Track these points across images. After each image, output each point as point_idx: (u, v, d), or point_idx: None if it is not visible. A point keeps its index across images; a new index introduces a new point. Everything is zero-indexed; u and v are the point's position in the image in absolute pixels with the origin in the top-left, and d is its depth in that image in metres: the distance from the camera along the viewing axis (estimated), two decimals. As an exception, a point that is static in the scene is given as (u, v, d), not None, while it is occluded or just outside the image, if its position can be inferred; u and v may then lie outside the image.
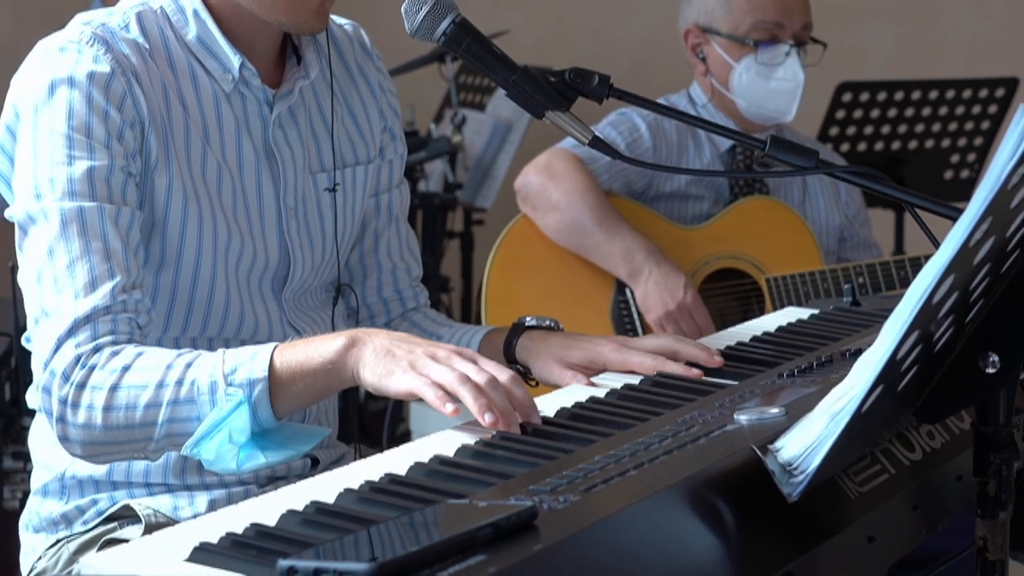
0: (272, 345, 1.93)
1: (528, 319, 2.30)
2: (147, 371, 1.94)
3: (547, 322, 2.30)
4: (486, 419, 1.75)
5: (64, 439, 1.98)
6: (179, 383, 1.92)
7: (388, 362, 1.86)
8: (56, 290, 1.99)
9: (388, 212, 2.38)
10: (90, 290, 1.98)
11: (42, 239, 2.01)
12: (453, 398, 1.78)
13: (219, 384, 1.91)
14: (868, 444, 1.68)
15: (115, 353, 1.96)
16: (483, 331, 2.33)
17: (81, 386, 1.95)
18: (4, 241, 2.07)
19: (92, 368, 1.95)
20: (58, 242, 2.00)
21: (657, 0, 6.06)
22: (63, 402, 1.96)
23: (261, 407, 1.90)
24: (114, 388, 1.94)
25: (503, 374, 1.82)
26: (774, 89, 3.46)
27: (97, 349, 1.96)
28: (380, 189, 2.36)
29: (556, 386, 2.15)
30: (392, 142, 2.37)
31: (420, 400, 1.83)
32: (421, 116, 5.27)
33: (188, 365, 1.93)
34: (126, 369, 1.94)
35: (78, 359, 1.96)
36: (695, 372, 2.05)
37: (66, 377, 1.96)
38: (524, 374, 2.25)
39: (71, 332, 1.97)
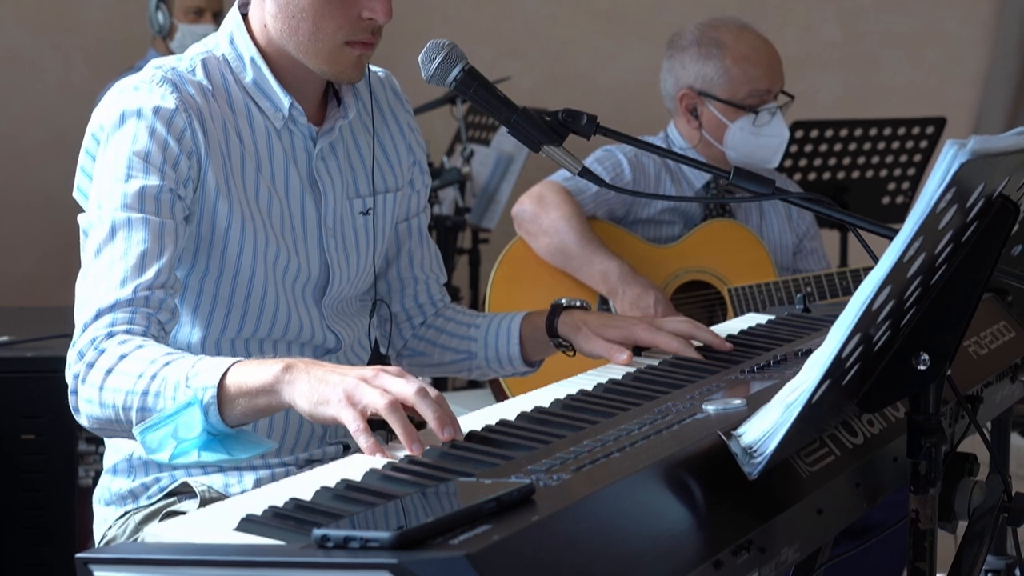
0: (234, 360, 1.84)
1: (563, 300, 2.31)
2: (137, 362, 1.90)
3: (578, 303, 2.30)
4: (414, 449, 1.62)
5: (75, 410, 1.96)
6: (154, 377, 1.87)
7: (323, 390, 1.72)
8: (95, 284, 1.99)
9: (419, 233, 2.39)
10: (120, 286, 1.98)
11: (94, 242, 2.02)
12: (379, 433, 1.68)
13: (180, 384, 1.84)
14: (817, 430, 1.67)
15: (123, 342, 1.93)
16: (521, 314, 2.35)
17: (90, 365, 1.93)
18: (79, 256, 2.07)
19: (102, 352, 1.93)
20: (105, 244, 2.01)
21: (637, 53, 6.09)
22: (75, 377, 1.95)
23: (211, 412, 1.81)
24: (108, 371, 1.91)
25: (431, 388, 1.70)
26: (763, 144, 3.46)
27: (111, 335, 1.94)
28: (410, 214, 2.37)
29: (598, 357, 2.17)
30: (421, 175, 2.38)
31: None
32: (435, 150, 5.28)
33: (167, 364, 1.87)
34: (123, 357, 1.91)
35: (93, 341, 1.94)
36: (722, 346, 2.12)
37: (81, 355, 1.94)
38: (566, 347, 2.27)
39: (95, 318, 1.96)
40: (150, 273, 1.99)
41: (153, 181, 2.03)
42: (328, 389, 1.71)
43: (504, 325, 2.35)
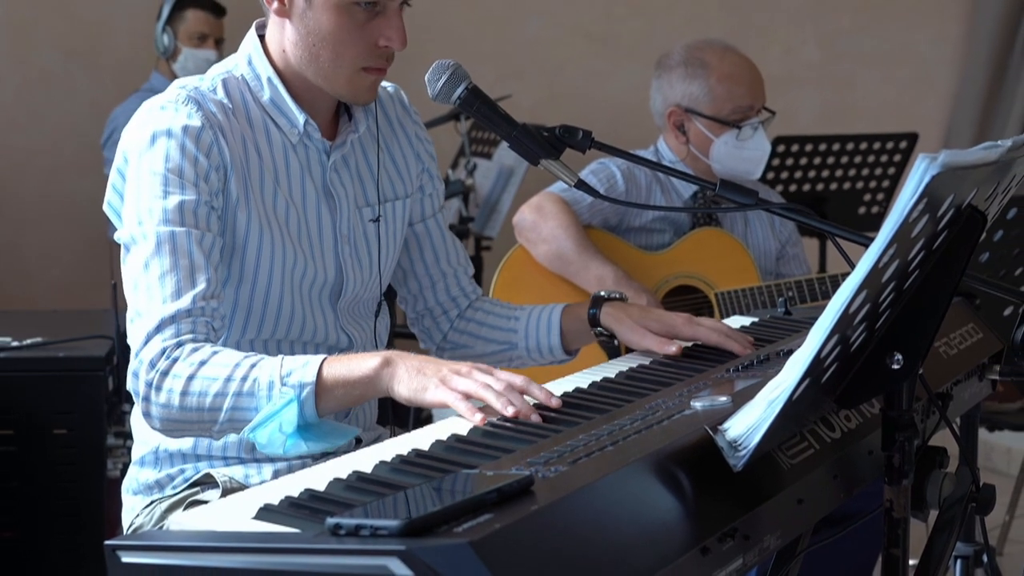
0: (322, 357, 1.92)
1: (603, 292, 2.30)
2: (219, 367, 1.93)
3: (617, 295, 2.30)
4: (508, 411, 1.73)
5: (147, 415, 1.97)
6: (244, 379, 1.91)
7: (421, 379, 1.84)
8: (148, 296, 1.99)
9: (439, 230, 2.39)
10: (176, 297, 1.98)
11: (140, 256, 2.02)
12: (480, 408, 1.76)
13: (276, 384, 1.90)
14: (798, 425, 1.67)
15: (195, 349, 1.95)
16: (560, 306, 2.35)
17: (164, 373, 1.94)
18: (108, 262, 2.07)
19: (175, 360, 1.95)
20: (153, 258, 2.01)
21: (629, 73, 6.09)
22: (148, 385, 1.95)
23: (307, 405, 1.89)
24: (191, 377, 1.93)
25: (517, 379, 1.80)
26: (746, 157, 3.45)
27: (180, 344, 1.96)
28: (424, 216, 2.38)
29: (641, 347, 2.16)
30: (431, 180, 2.38)
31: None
32: (440, 163, 5.25)
33: (253, 365, 1.92)
34: (203, 363, 1.94)
35: (163, 351, 1.95)
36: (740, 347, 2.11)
37: (152, 365, 1.95)
38: (607, 337, 2.26)
39: (158, 329, 1.97)
40: (202, 284, 2.00)
41: (190, 196, 2.03)
42: (425, 379, 1.83)
43: (544, 316, 2.35)
